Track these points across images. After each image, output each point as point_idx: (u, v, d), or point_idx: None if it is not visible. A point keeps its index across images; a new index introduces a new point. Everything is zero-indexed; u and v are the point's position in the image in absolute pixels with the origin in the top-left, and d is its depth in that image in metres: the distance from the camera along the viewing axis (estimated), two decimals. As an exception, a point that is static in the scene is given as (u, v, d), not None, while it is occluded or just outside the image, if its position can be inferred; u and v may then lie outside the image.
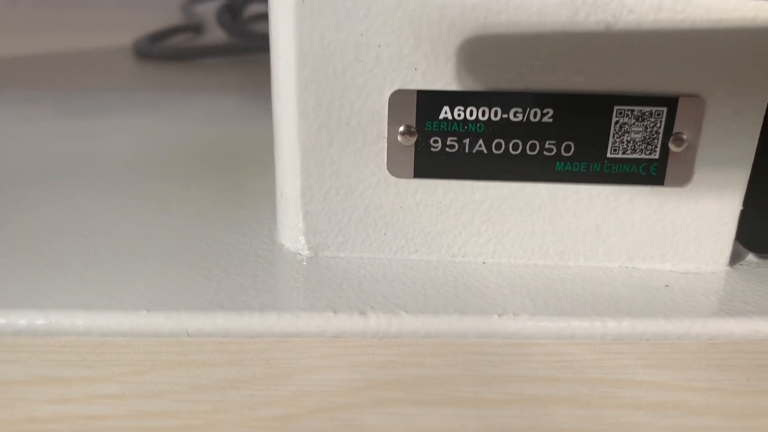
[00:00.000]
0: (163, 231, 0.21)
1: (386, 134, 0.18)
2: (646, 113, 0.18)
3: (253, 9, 0.56)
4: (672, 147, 0.18)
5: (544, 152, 0.18)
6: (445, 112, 0.18)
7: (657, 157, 0.18)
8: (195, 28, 0.53)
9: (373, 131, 0.19)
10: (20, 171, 0.26)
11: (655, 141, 0.18)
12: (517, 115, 0.18)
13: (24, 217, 0.22)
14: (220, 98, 0.37)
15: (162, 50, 0.45)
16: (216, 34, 0.53)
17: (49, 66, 0.44)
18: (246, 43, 0.48)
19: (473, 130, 0.18)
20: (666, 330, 0.17)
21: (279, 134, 0.19)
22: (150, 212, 0.22)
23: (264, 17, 0.57)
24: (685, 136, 0.18)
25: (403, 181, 0.19)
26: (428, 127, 0.18)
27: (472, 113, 0.18)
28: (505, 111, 0.18)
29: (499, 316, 0.17)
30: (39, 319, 0.16)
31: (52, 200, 0.23)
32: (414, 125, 0.18)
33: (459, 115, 0.18)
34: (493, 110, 0.18)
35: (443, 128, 0.18)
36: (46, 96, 0.37)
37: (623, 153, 0.18)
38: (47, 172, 0.26)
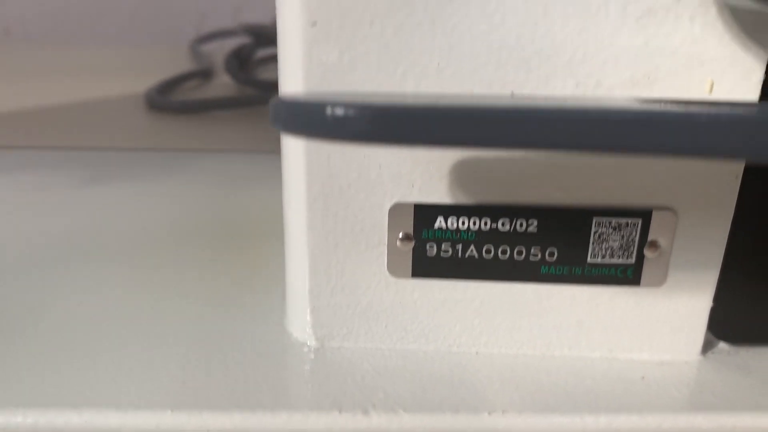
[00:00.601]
0: (181, 318, 0.23)
1: (387, 240, 0.20)
2: (623, 224, 0.20)
3: (261, 51, 0.58)
4: (647, 253, 0.20)
5: (530, 257, 0.20)
6: (440, 222, 0.20)
7: (633, 262, 0.20)
8: (204, 73, 0.55)
9: (375, 237, 0.20)
10: (30, 248, 0.28)
11: (632, 248, 0.20)
12: (505, 225, 0.20)
13: (40, 305, 0.24)
14: (231, 157, 0.39)
15: (173, 104, 0.47)
16: (225, 79, 0.55)
17: (56, 117, 0.46)
18: (254, 92, 0.50)
19: (465, 237, 0.20)
20: (640, 425, 0.19)
21: (289, 237, 0.21)
22: (166, 296, 0.24)
23: (272, 60, 0.59)
24: (659, 243, 0.20)
25: (402, 280, 0.21)
26: (425, 235, 0.20)
27: (464, 223, 0.20)
28: (494, 221, 0.20)
29: (489, 414, 0.19)
30: (74, 418, 0.18)
31: (64, 285, 0.25)
32: (412, 233, 0.20)
33: (452, 224, 0.20)
34: (483, 221, 0.20)
35: (438, 236, 0.20)
36: (57, 157, 0.39)
37: (602, 258, 0.20)
38: (58, 249, 0.28)
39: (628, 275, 0.20)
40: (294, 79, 0.19)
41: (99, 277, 0.25)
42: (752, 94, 0.19)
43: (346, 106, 0.13)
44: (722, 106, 0.14)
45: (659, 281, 0.21)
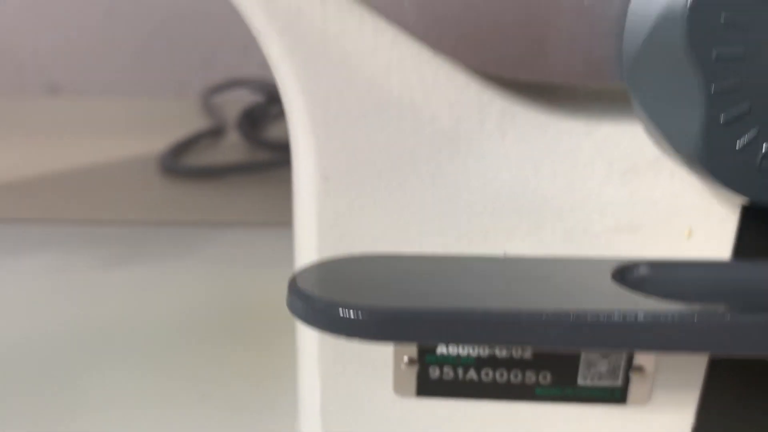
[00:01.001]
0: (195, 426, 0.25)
1: (393, 364, 0.22)
2: (610, 352, 0.22)
3: (274, 108, 0.60)
4: (633, 376, 0.22)
5: (526, 380, 0.22)
6: (442, 348, 0.22)
7: (620, 384, 0.22)
8: (216, 131, 0.57)
9: (382, 361, 0.22)
10: (40, 345, 0.30)
11: (618, 372, 0.22)
12: (502, 351, 0.22)
13: (52, 413, 0.26)
14: (246, 231, 0.41)
15: (187, 169, 0.49)
16: (236, 137, 0.57)
17: (68, 184, 0.48)
18: (266, 155, 0.51)
19: (465, 362, 0.22)
20: None
21: (302, 362, 0.23)
22: (180, 402, 0.26)
23: (285, 118, 0.61)
24: (644, 368, 0.22)
25: (407, 399, 0.23)
26: (428, 360, 0.22)
27: (464, 349, 0.22)
28: (492, 349, 0.22)
29: None
30: None
31: (76, 390, 0.27)
32: (416, 358, 0.22)
33: (453, 351, 0.22)
34: (481, 348, 0.22)
35: (440, 360, 0.22)
36: (71, 233, 0.41)
37: (591, 381, 0.22)
38: (70, 348, 0.30)
39: (615, 395, 0.22)
40: (309, 224, 0.21)
41: (113, 382, 0.27)
42: (727, 239, 0.20)
43: (357, 309, 0.14)
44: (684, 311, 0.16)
45: (644, 400, 0.22)
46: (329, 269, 0.18)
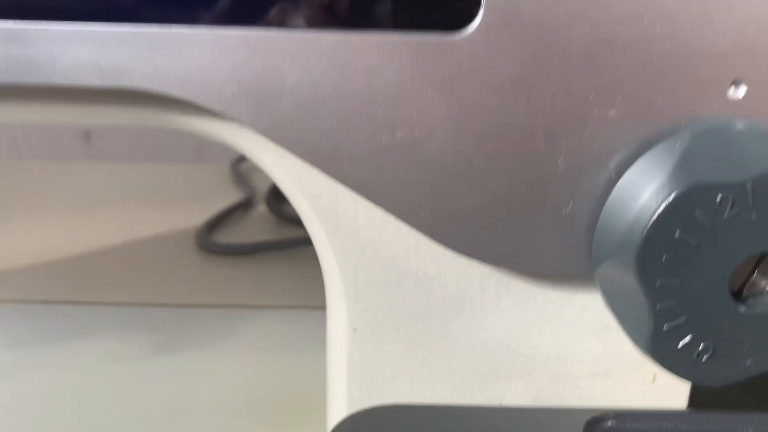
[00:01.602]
0: None
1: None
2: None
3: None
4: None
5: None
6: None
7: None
8: (246, 204, 0.62)
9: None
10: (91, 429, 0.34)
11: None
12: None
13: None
14: (280, 314, 0.45)
15: (222, 247, 0.54)
16: (265, 210, 0.61)
17: (108, 263, 0.53)
18: (294, 232, 0.56)
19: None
20: None
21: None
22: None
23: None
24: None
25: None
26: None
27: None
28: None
29: None
30: None
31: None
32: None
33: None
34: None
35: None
36: (114, 315, 0.45)
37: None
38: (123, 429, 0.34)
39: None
40: (340, 366, 0.25)
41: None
42: (685, 385, 0.25)
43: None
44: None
45: None
46: (361, 423, 0.22)
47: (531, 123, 0.21)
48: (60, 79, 0.21)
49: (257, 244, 0.55)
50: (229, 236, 0.58)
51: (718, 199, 0.18)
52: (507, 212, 0.22)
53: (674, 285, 0.19)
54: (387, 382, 0.25)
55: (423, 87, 0.21)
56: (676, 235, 0.18)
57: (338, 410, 0.26)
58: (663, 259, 0.18)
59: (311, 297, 0.46)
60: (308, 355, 0.41)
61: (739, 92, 0.20)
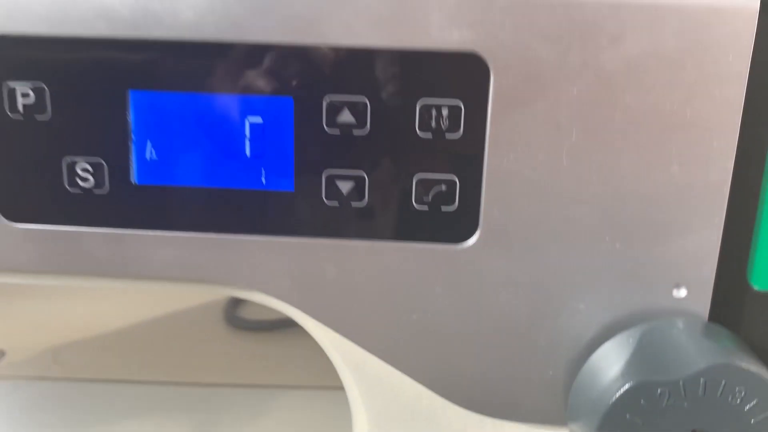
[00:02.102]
0: None
1: None
2: None
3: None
4: None
5: None
6: None
7: None
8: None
9: None
10: None
11: None
12: None
13: None
14: (306, 396, 0.51)
15: (250, 323, 0.60)
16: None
17: (143, 341, 0.58)
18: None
19: None
20: None
21: None
22: None
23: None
24: None
25: None
26: None
27: None
28: None
29: None
30: None
31: None
32: None
33: None
34: None
35: None
36: (150, 395, 0.51)
37: None
38: None
39: None
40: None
41: None
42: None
43: None
44: None
45: None
46: None
47: (519, 310, 0.27)
48: (149, 273, 0.27)
49: (282, 321, 0.61)
50: (255, 311, 0.64)
51: (658, 392, 0.24)
52: (500, 377, 0.27)
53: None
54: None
55: (434, 283, 0.27)
56: (627, 416, 0.24)
57: None
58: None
59: (334, 375, 0.52)
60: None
61: (681, 293, 0.26)
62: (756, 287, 0.27)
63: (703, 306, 0.26)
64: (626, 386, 0.24)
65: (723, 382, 0.24)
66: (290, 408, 0.50)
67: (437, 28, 0.24)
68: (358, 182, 0.26)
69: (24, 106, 0.25)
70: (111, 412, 0.50)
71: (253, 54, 0.24)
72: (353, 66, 0.24)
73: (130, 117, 0.25)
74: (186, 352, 0.57)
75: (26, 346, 0.58)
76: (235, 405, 0.50)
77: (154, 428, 0.48)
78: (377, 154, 0.25)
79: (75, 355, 0.57)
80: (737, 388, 0.24)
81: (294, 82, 0.25)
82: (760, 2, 0.23)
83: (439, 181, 0.25)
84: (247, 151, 0.25)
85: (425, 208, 0.26)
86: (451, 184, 0.25)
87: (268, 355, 0.57)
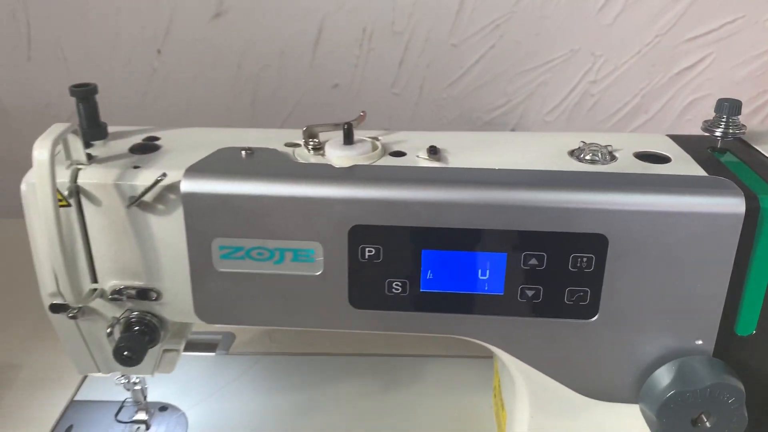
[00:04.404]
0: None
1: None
2: None
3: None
4: None
5: None
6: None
7: None
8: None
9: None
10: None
11: None
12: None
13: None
14: (452, 363, 0.79)
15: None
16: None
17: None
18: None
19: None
20: None
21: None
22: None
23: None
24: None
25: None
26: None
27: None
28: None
29: None
30: None
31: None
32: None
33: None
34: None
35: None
36: (337, 363, 0.78)
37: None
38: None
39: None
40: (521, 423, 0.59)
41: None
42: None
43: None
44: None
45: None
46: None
47: (624, 358, 0.53)
48: (418, 329, 0.53)
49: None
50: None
51: (687, 395, 0.50)
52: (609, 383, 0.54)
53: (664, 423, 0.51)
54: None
55: (568, 350, 0.53)
56: (671, 406, 0.51)
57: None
58: (664, 415, 0.51)
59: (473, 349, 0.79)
60: (475, 394, 0.74)
61: (699, 342, 0.52)
62: (739, 334, 0.52)
63: (710, 348, 0.52)
64: (672, 391, 0.50)
65: (719, 390, 0.50)
66: (439, 373, 0.78)
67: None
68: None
69: (368, 255, 0.50)
70: (316, 377, 0.77)
71: (480, 235, 0.50)
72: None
73: (421, 260, 0.51)
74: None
75: (247, 329, 0.85)
76: (397, 371, 0.78)
77: (351, 388, 0.75)
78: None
79: (285, 336, 0.84)
80: (726, 392, 0.50)
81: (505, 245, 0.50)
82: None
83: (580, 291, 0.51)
84: (479, 276, 0.51)
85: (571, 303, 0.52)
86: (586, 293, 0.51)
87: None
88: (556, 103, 1.18)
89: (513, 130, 1.21)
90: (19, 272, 0.76)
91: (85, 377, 0.74)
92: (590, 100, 1.18)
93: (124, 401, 0.69)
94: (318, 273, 0.51)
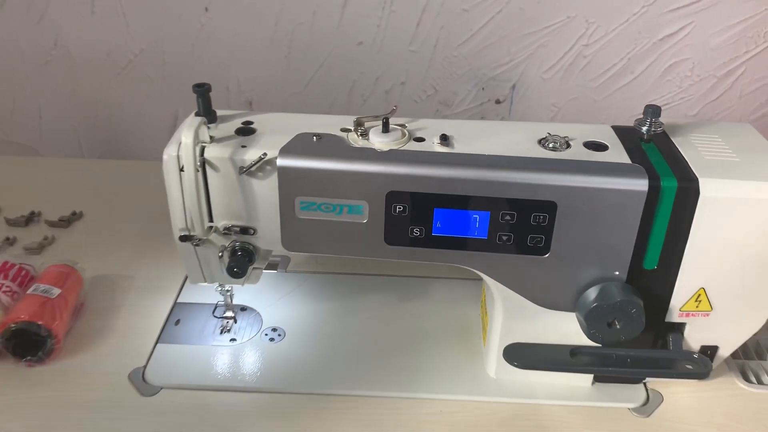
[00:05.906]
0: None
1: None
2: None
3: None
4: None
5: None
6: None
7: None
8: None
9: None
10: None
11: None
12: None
13: None
14: (451, 283, 1.12)
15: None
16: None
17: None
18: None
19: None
20: None
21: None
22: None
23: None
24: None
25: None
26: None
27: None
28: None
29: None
30: None
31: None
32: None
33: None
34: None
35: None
36: (366, 281, 1.12)
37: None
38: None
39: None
40: (497, 325, 0.92)
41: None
42: (603, 339, 0.91)
43: None
44: None
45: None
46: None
47: (566, 282, 0.85)
48: (438, 259, 0.86)
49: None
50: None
51: (605, 306, 0.83)
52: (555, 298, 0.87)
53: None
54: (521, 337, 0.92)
55: (529, 276, 0.85)
56: (594, 314, 0.84)
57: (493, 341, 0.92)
58: (590, 320, 0.84)
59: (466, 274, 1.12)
60: (467, 305, 1.07)
61: (617, 273, 0.85)
62: (645, 268, 0.85)
63: (624, 277, 0.85)
64: (595, 304, 0.83)
65: (626, 304, 0.83)
66: (442, 289, 1.11)
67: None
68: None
69: (398, 211, 0.83)
70: (350, 290, 1.11)
71: (473, 200, 0.81)
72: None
73: (433, 215, 0.83)
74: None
75: (299, 255, 1.18)
76: (414, 287, 1.11)
77: (375, 298, 1.09)
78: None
79: (327, 259, 1.17)
80: (630, 306, 0.83)
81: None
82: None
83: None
84: (472, 226, 0.83)
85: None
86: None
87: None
88: (552, 63, 1.47)
89: (514, 86, 1.51)
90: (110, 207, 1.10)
91: (183, 285, 1.07)
92: (583, 61, 1.47)
93: (216, 303, 1.03)
94: (365, 221, 0.84)
